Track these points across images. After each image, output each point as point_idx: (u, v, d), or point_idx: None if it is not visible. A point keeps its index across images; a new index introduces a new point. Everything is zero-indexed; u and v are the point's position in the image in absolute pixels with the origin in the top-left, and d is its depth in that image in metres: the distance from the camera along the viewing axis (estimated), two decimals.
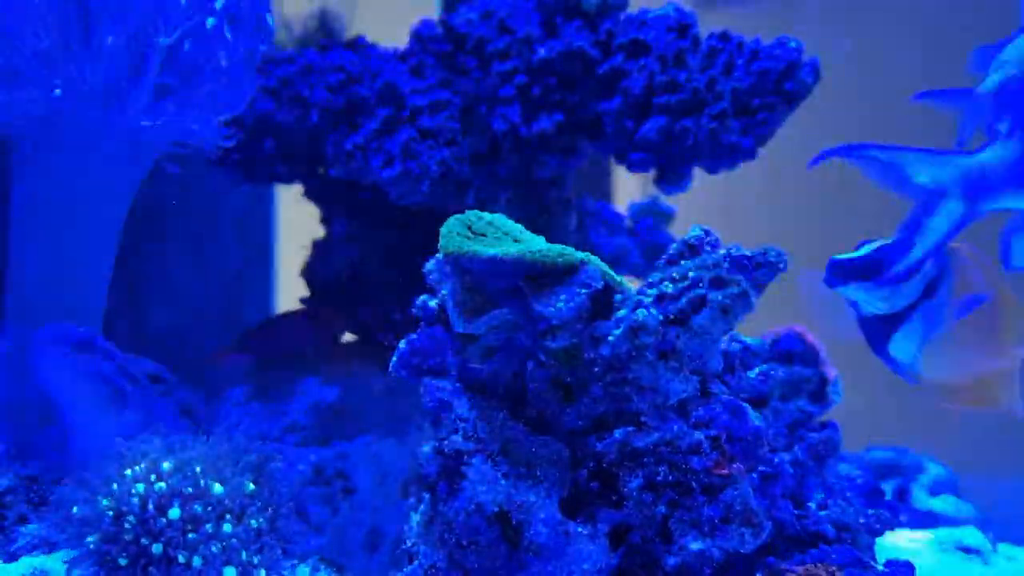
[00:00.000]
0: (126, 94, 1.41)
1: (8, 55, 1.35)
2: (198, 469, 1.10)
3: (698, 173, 1.75)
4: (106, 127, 1.44)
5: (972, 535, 1.47)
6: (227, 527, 1.07)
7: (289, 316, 1.98)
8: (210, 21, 1.43)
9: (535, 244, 1.00)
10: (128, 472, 1.09)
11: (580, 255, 0.98)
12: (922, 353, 1.11)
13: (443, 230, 1.01)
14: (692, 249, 1.04)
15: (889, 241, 1.03)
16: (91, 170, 1.48)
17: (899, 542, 1.39)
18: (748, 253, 1.00)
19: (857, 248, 1.06)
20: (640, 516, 0.99)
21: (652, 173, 1.75)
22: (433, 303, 1.04)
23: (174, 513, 1.05)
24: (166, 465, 1.10)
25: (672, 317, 0.97)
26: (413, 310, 1.06)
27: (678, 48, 1.67)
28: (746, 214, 2.79)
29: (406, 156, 1.66)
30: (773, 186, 2.57)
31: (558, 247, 0.98)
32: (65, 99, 1.39)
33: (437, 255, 1.04)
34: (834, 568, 1.00)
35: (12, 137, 1.48)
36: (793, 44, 1.69)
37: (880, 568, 1.05)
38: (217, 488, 1.09)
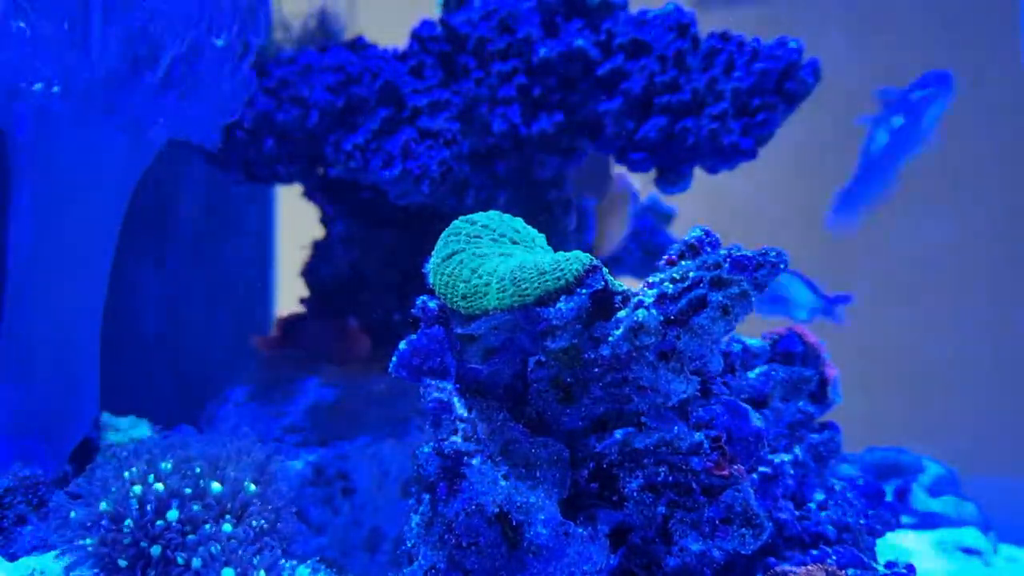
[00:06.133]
0: (125, 87, 1.41)
1: (7, 46, 1.35)
2: (198, 469, 1.10)
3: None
4: (105, 121, 1.44)
5: (973, 536, 1.46)
6: (227, 527, 1.07)
7: (310, 317, 1.96)
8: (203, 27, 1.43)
9: (530, 259, 1.00)
10: (126, 473, 1.08)
11: (576, 269, 0.96)
12: None
13: (432, 263, 1.01)
14: (692, 249, 1.04)
15: None
16: (90, 165, 1.48)
17: (904, 543, 1.39)
18: (748, 253, 0.99)
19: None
20: (640, 517, 0.99)
21: (652, 173, 1.75)
22: (433, 304, 1.04)
23: (172, 515, 1.05)
24: (165, 465, 1.09)
25: (672, 317, 0.97)
26: (413, 310, 1.05)
27: (678, 48, 1.67)
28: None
29: (406, 156, 1.66)
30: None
31: (550, 262, 0.96)
32: (64, 92, 1.39)
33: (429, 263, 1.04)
34: (835, 569, 1.00)
35: (11, 131, 1.47)
36: (793, 44, 1.69)
37: (881, 569, 1.05)
38: (216, 488, 1.09)
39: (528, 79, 1.70)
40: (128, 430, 1.64)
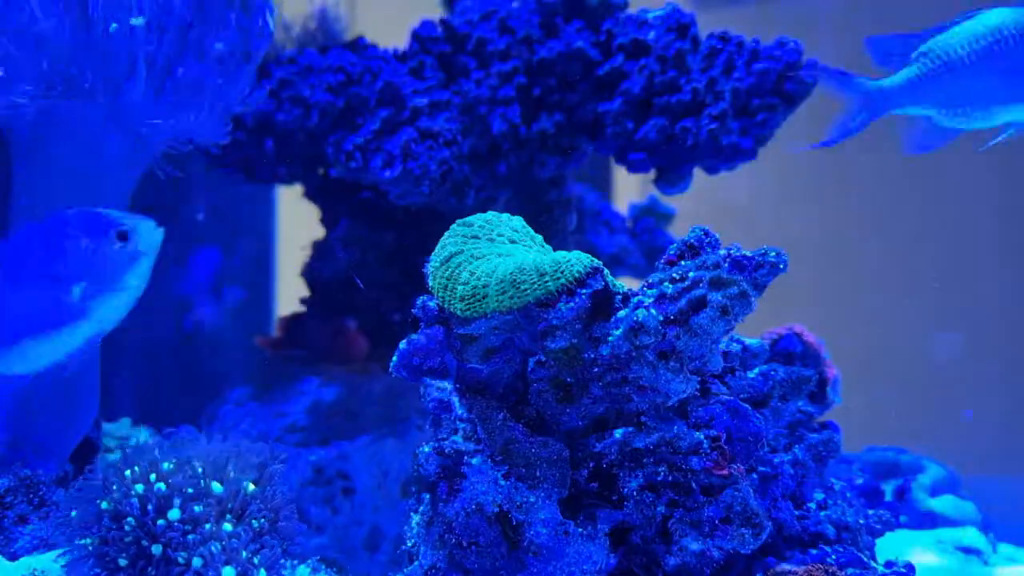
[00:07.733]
0: (125, 86, 1.41)
1: (7, 45, 1.35)
2: (199, 469, 1.10)
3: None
4: (105, 122, 1.44)
5: (972, 536, 1.47)
6: (227, 527, 1.07)
7: (314, 316, 1.96)
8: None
9: (529, 259, 1.00)
10: (128, 473, 1.09)
11: (576, 271, 0.96)
12: None
13: (431, 266, 1.01)
14: (692, 249, 1.04)
15: None
16: (90, 166, 1.48)
17: (903, 542, 1.39)
18: (748, 253, 0.99)
19: None
20: (640, 516, 0.99)
21: (652, 173, 1.75)
22: (433, 304, 1.04)
23: (174, 514, 1.05)
24: (167, 465, 1.10)
25: (672, 317, 0.97)
26: (413, 310, 1.06)
27: (678, 49, 1.67)
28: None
29: (406, 156, 1.66)
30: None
31: (550, 263, 0.96)
32: (64, 92, 1.39)
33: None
34: (834, 568, 1.00)
35: (12, 130, 1.47)
36: (792, 44, 1.70)
37: (880, 568, 1.05)
38: (217, 487, 1.09)
39: (528, 79, 1.70)
40: (127, 431, 1.64)
